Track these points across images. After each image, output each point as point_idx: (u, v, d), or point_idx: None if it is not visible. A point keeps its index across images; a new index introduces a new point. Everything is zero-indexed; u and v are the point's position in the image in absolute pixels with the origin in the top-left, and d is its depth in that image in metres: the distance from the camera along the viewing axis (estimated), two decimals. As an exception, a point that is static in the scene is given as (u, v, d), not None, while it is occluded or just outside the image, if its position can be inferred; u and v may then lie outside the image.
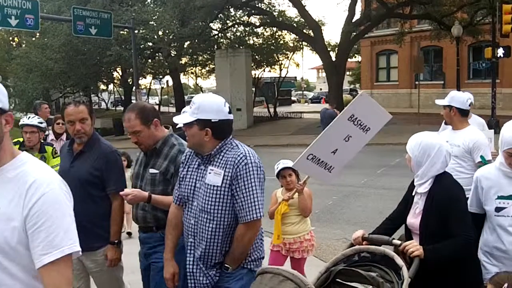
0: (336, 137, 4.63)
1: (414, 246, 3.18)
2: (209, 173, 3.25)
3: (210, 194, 3.22)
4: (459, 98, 5.23)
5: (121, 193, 3.83)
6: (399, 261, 3.07)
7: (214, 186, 3.21)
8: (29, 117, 6.17)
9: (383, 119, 4.78)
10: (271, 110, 35.50)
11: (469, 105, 5.20)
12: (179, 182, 3.47)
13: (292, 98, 59.22)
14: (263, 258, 3.46)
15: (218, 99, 3.28)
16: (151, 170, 3.85)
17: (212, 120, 3.19)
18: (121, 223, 4.23)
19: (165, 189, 3.78)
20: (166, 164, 3.80)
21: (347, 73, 41.93)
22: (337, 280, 3.29)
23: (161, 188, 3.81)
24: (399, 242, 3.32)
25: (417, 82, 28.14)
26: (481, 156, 5.00)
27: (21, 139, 6.27)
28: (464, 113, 5.23)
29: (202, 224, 3.26)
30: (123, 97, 49.04)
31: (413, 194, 3.52)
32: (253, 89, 34.95)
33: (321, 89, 71.39)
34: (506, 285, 2.88)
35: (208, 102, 3.23)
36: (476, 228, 3.55)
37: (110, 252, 4.14)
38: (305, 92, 68.83)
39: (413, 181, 3.59)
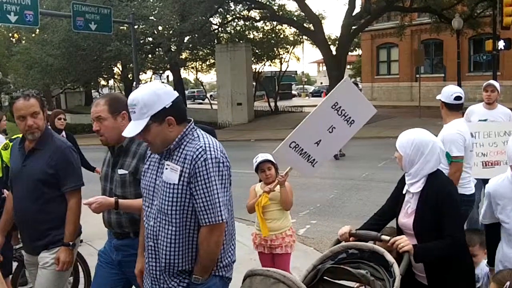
0: (320, 126, 4.53)
1: (404, 241, 3.09)
2: (166, 168, 2.90)
3: (167, 193, 2.87)
4: (445, 92, 5.16)
5: (84, 202, 3.47)
6: (389, 257, 2.97)
7: (171, 184, 2.85)
8: None
9: (368, 112, 4.69)
10: (272, 104, 35.46)
11: (455, 99, 5.07)
12: (141, 177, 3.16)
13: (293, 92, 59.23)
14: (234, 262, 3.13)
15: (155, 85, 2.91)
16: (120, 171, 3.52)
17: (166, 106, 2.81)
18: (78, 224, 3.92)
19: (137, 190, 3.38)
20: (135, 163, 3.47)
21: (348, 66, 41.93)
22: (325, 278, 3.16)
23: (133, 189, 3.47)
24: (388, 237, 3.21)
25: (417, 75, 28.15)
26: (446, 153, 4.78)
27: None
28: (450, 107, 5.13)
29: (160, 226, 2.92)
30: (123, 92, 49.04)
31: (404, 192, 3.40)
32: (254, 83, 34.93)
33: (321, 83, 71.28)
34: (508, 283, 2.85)
35: (150, 94, 2.82)
36: (493, 237, 3.44)
37: (63, 254, 3.82)
38: (305, 86, 68.81)
39: (402, 177, 3.48)
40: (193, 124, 2.96)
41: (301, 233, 8.15)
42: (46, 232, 3.86)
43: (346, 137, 4.73)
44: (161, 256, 2.93)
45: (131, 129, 2.86)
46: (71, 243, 3.85)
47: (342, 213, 9.22)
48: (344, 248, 3.20)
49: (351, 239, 3.39)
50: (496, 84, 6.65)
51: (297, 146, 4.53)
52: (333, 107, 4.46)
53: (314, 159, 4.63)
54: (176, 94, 2.90)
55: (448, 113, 5.17)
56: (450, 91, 5.14)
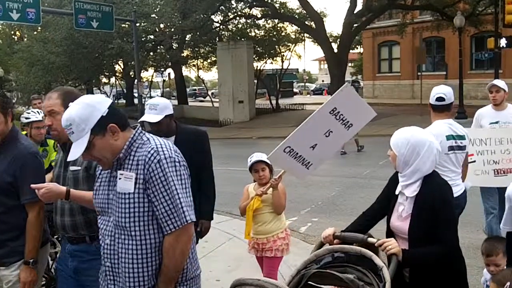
0: (317, 131, 4.39)
1: (392, 244, 2.98)
2: (119, 178, 2.67)
3: (123, 205, 2.64)
4: (431, 92, 5.05)
5: (32, 186, 3.17)
6: (378, 261, 2.84)
7: (126, 194, 2.63)
8: (37, 112, 6.29)
9: (367, 116, 4.55)
10: (273, 102, 35.47)
11: (437, 100, 4.94)
12: (93, 195, 2.90)
13: (294, 90, 59.21)
14: (200, 273, 2.91)
15: (84, 98, 2.71)
16: (72, 168, 3.32)
17: (104, 115, 2.62)
18: (38, 239, 3.55)
19: (90, 188, 3.14)
20: None
21: (349, 64, 41.82)
22: (310, 283, 2.99)
23: (86, 187, 3.26)
24: (374, 240, 3.06)
25: (419, 73, 28.12)
26: None
27: (24, 133, 6.29)
28: (433, 108, 5.00)
29: (119, 243, 2.68)
30: (125, 90, 49.04)
31: (397, 193, 3.24)
32: (255, 81, 34.93)
33: (323, 80, 71.26)
34: (508, 283, 2.77)
35: (82, 107, 2.63)
36: None
37: (23, 273, 3.48)
38: (307, 84, 68.80)
39: (394, 176, 3.35)
40: (140, 128, 2.77)
41: (303, 231, 8.18)
42: (3, 242, 3.55)
43: (343, 139, 4.64)
44: (122, 276, 2.69)
45: (75, 151, 2.64)
46: (31, 260, 3.50)
47: (344, 210, 9.23)
48: (329, 252, 3.04)
49: (335, 241, 3.23)
50: (501, 83, 6.26)
51: (291, 150, 4.40)
52: (331, 112, 4.33)
53: (309, 162, 4.50)
54: (109, 100, 2.72)
55: (432, 114, 5.04)
56: (433, 92, 5.02)
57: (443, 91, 4.98)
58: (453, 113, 5.16)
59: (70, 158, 2.70)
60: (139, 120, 4.74)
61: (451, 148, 4.85)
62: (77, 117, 2.59)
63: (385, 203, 3.38)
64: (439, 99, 4.95)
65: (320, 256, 3.05)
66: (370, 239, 3.09)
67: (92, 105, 2.62)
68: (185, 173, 2.70)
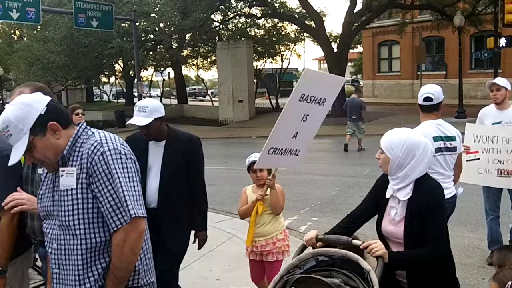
0: (292, 122, 4.31)
1: (378, 246, 2.89)
2: (61, 175, 2.50)
3: (65, 202, 2.47)
4: (419, 93, 4.90)
5: (7, 200, 3.01)
6: (365, 265, 2.74)
7: (68, 190, 2.47)
8: None
9: (337, 85, 4.46)
10: (273, 101, 35.50)
11: (424, 100, 4.78)
12: (38, 201, 2.72)
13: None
14: (154, 282, 2.73)
15: (20, 98, 2.53)
16: (40, 170, 3.16)
17: (42, 113, 2.46)
18: (9, 246, 3.30)
19: None
20: None
21: (349, 64, 41.87)
22: None
23: None
24: (359, 242, 2.95)
25: (419, 73, 28.13)
26: None
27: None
28: (421, 108, 4.85)
29: (65, 245, 2.51)
30: (124, 89, 49.06)
31: (388, 196, 3.15)
32: (255, 80, 34.97)
33: (323, 80, 71.18)
34: (509, 283, 2.69)
35: (18, 108, 2.47)
36: None
37: None
38: (307, 83, 68.77)
39: (381, 178, 3.28)
40: (85, 124, 2.64)
41: (303, 230, 8.17)
42: None
43: (321, 116, 4.53)
44: (69, 281, 2.52)
45: (15, 155, 2.47)
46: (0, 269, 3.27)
47: (344, 210, 9.22)
48: (313, 255, 2.92)
49: (318, 244, 3.12)
50: (501, 81, 5.98)
51: (275, 149, 4.34)
52: (301, 99, 4.21)
53: (296, 149, 4.46)
54: (47, 98, 2.55)
55: (421, 114, 4.90)
56: (421, 91, 4.87)
57: (431, 90, 4.82)
58: (442, 113, 5.01)
59: (11, 162, 2.49)
60: (126, 123, 4.62)
61: (439, 149, 4.68)
62: (13, 118, 2.44)
63: (372, 205, 3.31)
64: (427, 99, 4.79)
65: (303, 260, 2.94)
66: (355, 241, 2.98)
67: (28, 104, 2.47)
68: (132, 166, 2.52)
